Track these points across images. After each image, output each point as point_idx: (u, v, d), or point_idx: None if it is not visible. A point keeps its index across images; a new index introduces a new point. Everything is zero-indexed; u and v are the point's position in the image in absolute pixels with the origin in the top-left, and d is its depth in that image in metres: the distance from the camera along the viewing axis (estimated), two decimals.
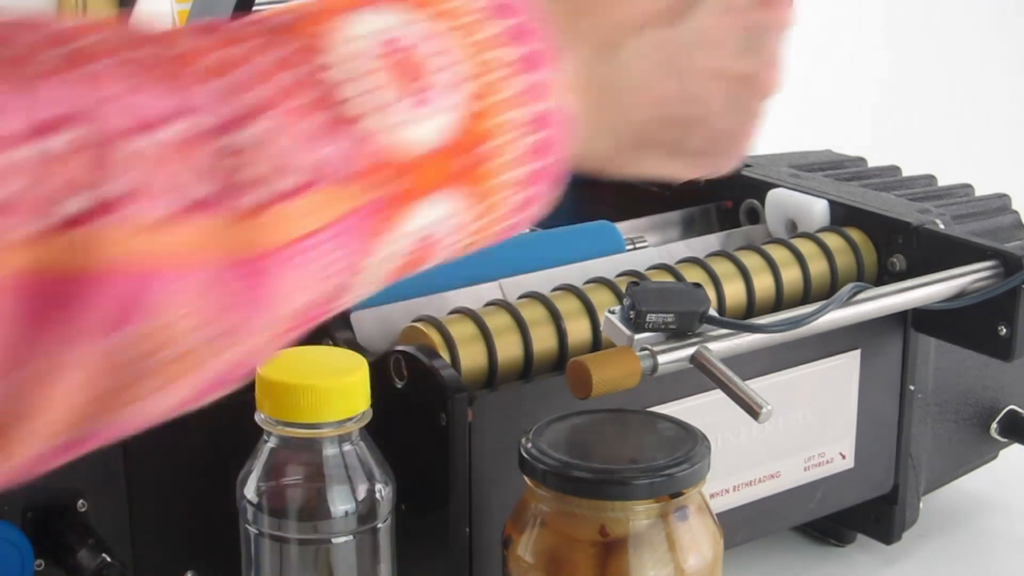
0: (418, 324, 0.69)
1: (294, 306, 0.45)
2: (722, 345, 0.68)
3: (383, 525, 0.62)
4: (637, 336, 0.66)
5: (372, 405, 0.62)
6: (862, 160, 1.00)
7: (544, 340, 0.71)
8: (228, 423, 0.67)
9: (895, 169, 0.98)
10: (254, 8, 0.75)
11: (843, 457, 0.81)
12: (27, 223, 0.38)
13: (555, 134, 0.49)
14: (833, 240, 0.82)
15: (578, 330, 0.72)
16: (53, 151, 0.38)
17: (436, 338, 0.69)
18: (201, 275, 0.41)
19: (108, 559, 0.67)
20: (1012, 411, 0.90)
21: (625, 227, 0.86)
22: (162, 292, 0.41)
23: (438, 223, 0.47)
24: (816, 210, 0.84)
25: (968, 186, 0.97)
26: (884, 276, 0.82)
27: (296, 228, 0.43)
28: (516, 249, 0.80)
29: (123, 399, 0.42)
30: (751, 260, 0.79)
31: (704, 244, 0.84)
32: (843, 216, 0.84)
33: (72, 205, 0.38)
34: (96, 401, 0.42)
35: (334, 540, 0.61)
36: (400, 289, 0.70)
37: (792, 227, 0.85)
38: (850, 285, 0.73)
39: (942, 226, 0.82)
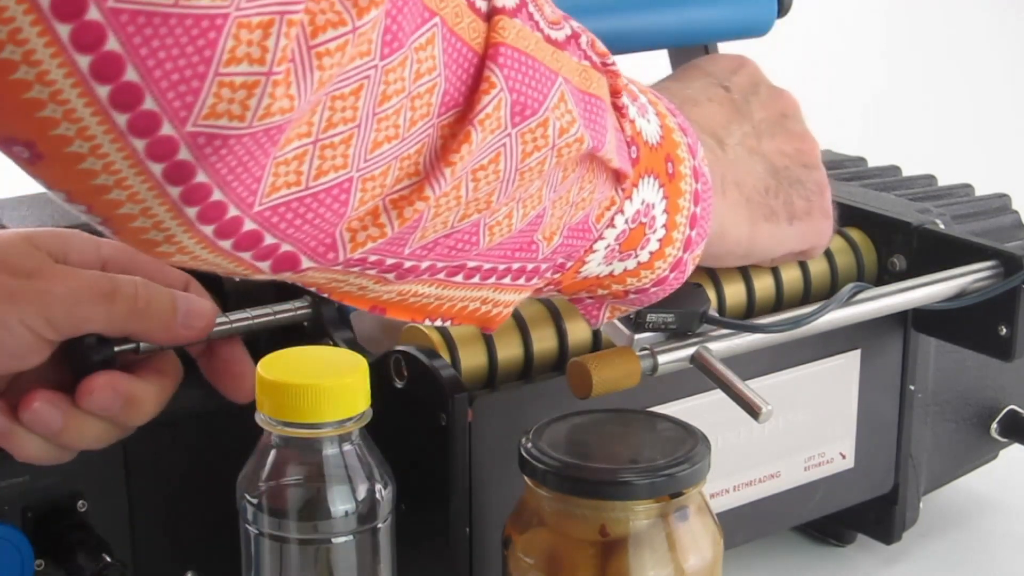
0: (418, 324, 0.69)
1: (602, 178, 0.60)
2: (722, 345, 0.68)
3: (383, 525, 0.62)
4: (637, 336, 0.66)
5: (372, 405, 0.62)
6: (862, 160, 1.00)
7: (544, 340, 0.71)
8: (228, 423, 0.67)
9: (895, 169, 0.98)
10: None
11: (843, 457, 0.81)
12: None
13: (704, 189, 0.65)
14: (833, 240, 0.82)
15: (578, 330, 0.72)
16: None
17: (436, 338, 0.69)
18: (568, 85, 0.55)
19: (108, 559, 0.67)
20: (1012, 411, 0.90)
21: None
22: (548, 78, 0.54)
23: (651, 206, 0.62)
24: None
25: (968, 186, 0.97)
26: (884, 276, 0.82)
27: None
28: None
29: (492, 198, 0.54)
30: None
31: None
32: (843, 216, 0.84)
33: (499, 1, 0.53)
34: (484, 193, 0.53)
35: (334, 540, 0.61)
36: None
37: None
38: (850, 285, 0.73)
39: (942, 226, 0.82)
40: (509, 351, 0.70)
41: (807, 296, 0.80)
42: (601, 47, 0.59)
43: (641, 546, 0.61)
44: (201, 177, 0.45)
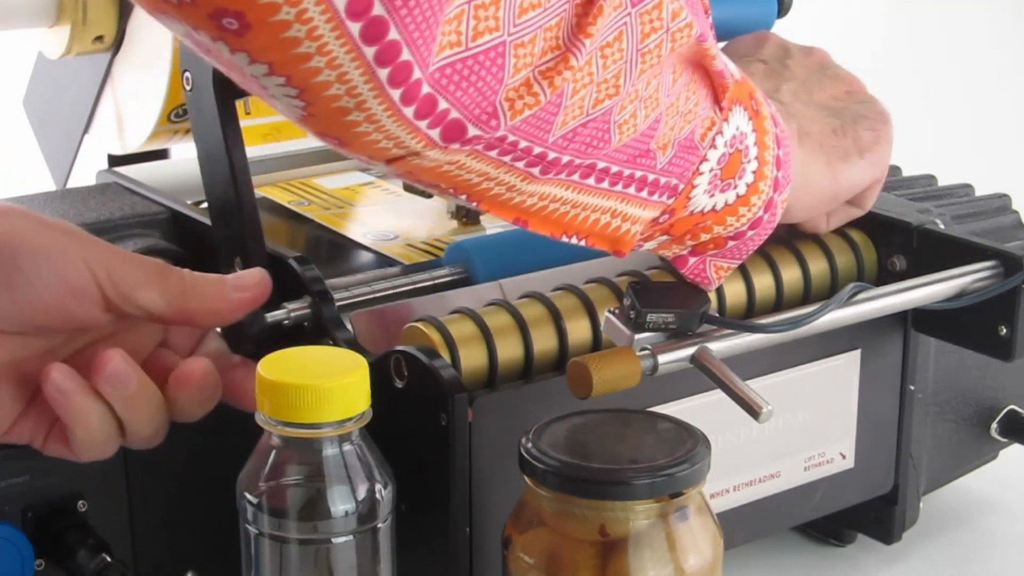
0: (418, 324, 0.69)
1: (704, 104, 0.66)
2: (722, 345, 0.68)
3: (383, 525, 0.62)
4: (637, 336, 0.66)
5: (372, 405, 0.62)
6: None
7: (544, 340, 0.71)
8: (228, 423, 0.67)
9: (895, 169, 0.98)
10: None
11: (843, 457, 0.81)
12: None
13: (782, 133, 0.70)
14: (833, 240, 0.82)
15: (578, 330, 0.72)
16: None
17: (436, 338, 0.69)
18: None
19: (108, 559, 0.67)
20: (1012, 411, 0.90)
21: None
22: None
23: (743, 134, 0.67)
24: None
25: (968, 186, 0.97)
26: (884, 276, 0.82)
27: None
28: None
29: (620, 83, 0.59)
30: (751, 260, 0.79)
31: None
32: None
33: None
34: (612, 74, 0.59)
35: (334, 540, 0.61)
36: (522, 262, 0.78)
37: (792, 227, 0.85)
38: (850, 285, 0.73)
39: (942, 226, 0.82)
40: (509, 351, 0.70)
41: (807, 296, 0.80)
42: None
43: (641, 546, 0.61)
44: (393, 34, 0.49)
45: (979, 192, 0.96)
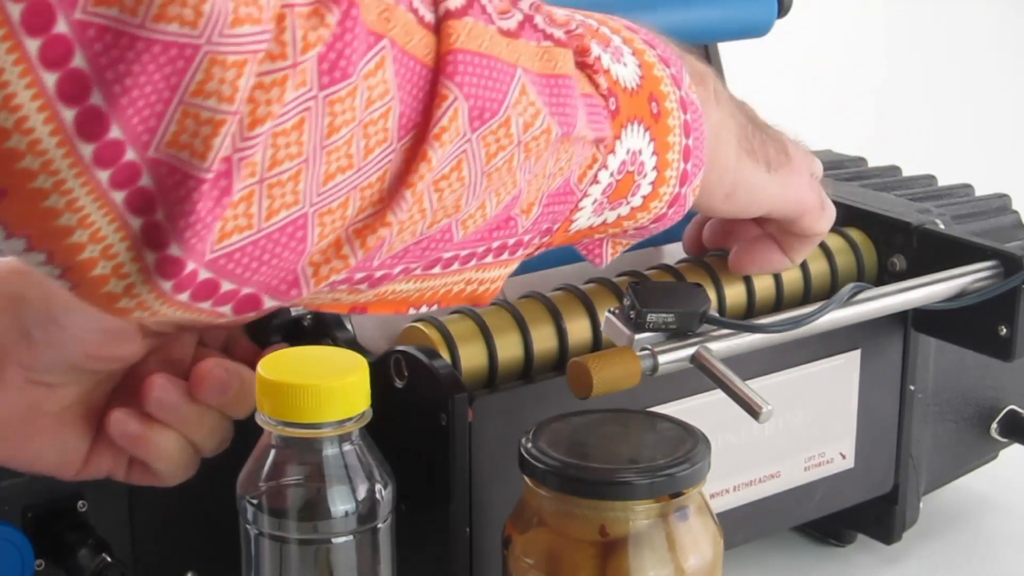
0: (418, 324, 0.69)
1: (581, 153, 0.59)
2: (722, 345, 0.68)
3: (383, 525, 0.62)
4: (637, 336, 0.66)
5: (372, 405, 0.62)
6: (862, 160, 1.00)
7: (544, 340, 0.71)
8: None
9: (895, 169, 0.98)
10: None
11: (843, 457, 0.81)
12: (421, 9, 0.50)
13: (695, 119, 0.64)
14: (833, 240, 0.82)
15: (578, 330, 0.72)
16: None
17: (436, 338, 0.69)
18: (528, 76, 0.53)
19: (108, 559, 0.67)
20: (1012, 411, 0.90)
21: None
22: (506, 74, 0.52)
23: (637, 153, 0.61)
24: None
25: (968, 186, 0.97)
26: (884, 276, 0.82)
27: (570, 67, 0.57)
28: None
29: (462, 202, 0.53)
30: None
31: None
32: (843, 216, 0.84)
33: (447, 4, 0.51)
34: (451, 200, 0.52)
35: (334, 540, 0.61)
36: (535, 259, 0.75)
37: None
38: (850, 285, 0.73)
39: (942, 226, 0.82)
40: (509, 351, 0.70)
41: (807, 296, 0.80)
42: (561, 15, 0.58)
43: (641, 546, 0.61)
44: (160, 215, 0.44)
45: (979, 192, 0.96)
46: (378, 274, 0.53)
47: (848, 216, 0.83)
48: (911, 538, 0.86)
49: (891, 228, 0.82)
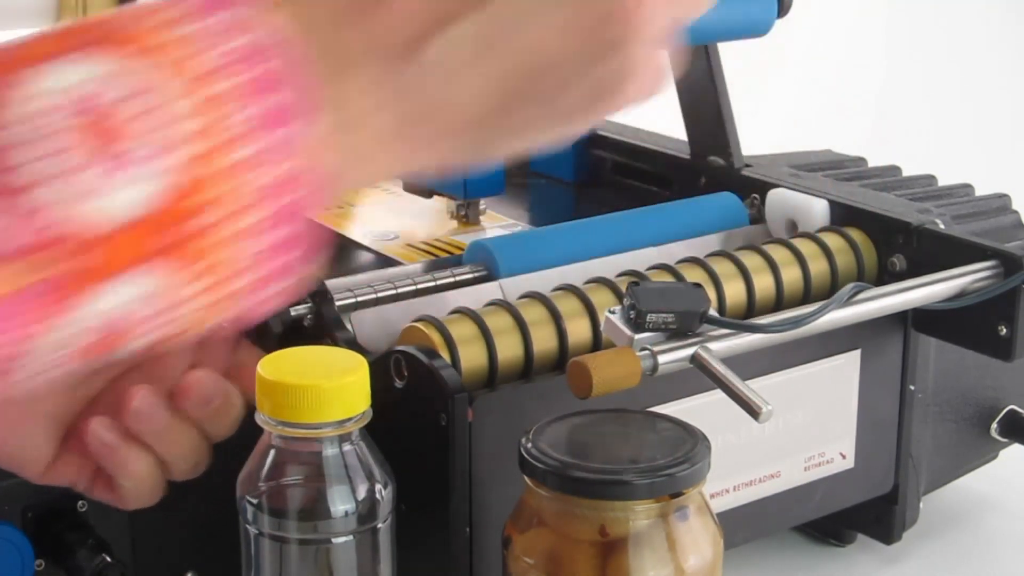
0: (418, 324, 0.69)
1: None
2: (722, 345, 0.68)
3: (383, 525, 0.62)
4: (637, 336, 0.66)
5: (372, 405, 0.62)
6: (862, 160, 1.00)
7: (544, 340, 0.71)
8: None
9: (895, 169, 0.98)
10: None
11: (843, 457, 0.81)
12: None
13: (304, 197, 0.45)
14: (833, 240, 0.82)
15: (578, 330, 0.72)
16: None
17: (436, 338, 0.69)
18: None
19: (108, 559, 0.67)
20: (1012, 411, 0.90)
21: None
22: None
23: (136, 303, 0.43)
24: (816, 210, 0.84)
25: (968, 186, 0.97)
26: (884, 276, 0.82)
27: None
28: (646, 219, 0.85)
29: None
30: (751, 260, 0.79)
31: (704, 244, 0.84)
32: (843, 216, 0.84)
33: None
34: None
35: (334, 540, 0.61)
36: (544, 257, 0.78)
37: (792, 227, 0.85)
38: (850, 285, 0.73)
39: (942, 226, 0.82)
40: (509, 351, 0.70)
41: (807, 296, 0.80)
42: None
43: (641, 546, 0.61)
44: None
45: (979, 192, 0.96)
46: None
47: (848, 216, 0.83)
48: (911, 538, 0.86)
49: (891, 228, 0.82)
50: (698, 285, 0.69)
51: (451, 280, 0.77)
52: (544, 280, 0.76)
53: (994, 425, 0.90)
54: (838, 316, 0.72)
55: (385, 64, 0.46)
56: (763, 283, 0.79)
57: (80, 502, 0.68)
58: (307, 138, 0.44)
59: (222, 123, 0.42)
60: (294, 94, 0.43)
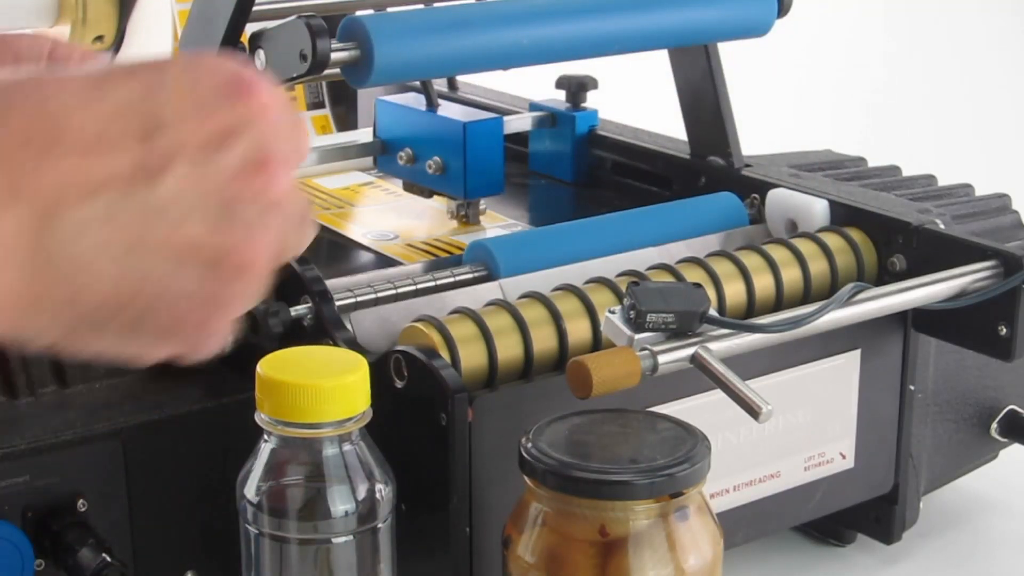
0: (418, 324, 0.69)
1: None
2: (722, 345, 0.68)
3: (383, 525, 0.62)
4: (637, 336, 0.66)
5: (372, 405, 0.62)
6: (862, 160, 1.00)
7: (544, 340, 0.71)
8: (228, 423, 0.67)
9: (895, 169, 0.98)
10: (252, 8, 0.75)
11: (843, 457, 0.81)
12: None
13: None
14: (833, 240, 0.82)
15: (578, 330, 0.72)
16: None
17: (436, 338, 0.69)
18: None
19: (108, 559, 0.67)
20: (1012, 411, 0.90)
21: None
22: None
23: None
24: (816, 210, 0.84)
25: (968, 186, 0.97)
26: (884, 276, 0.82)
27: None
28: (646, 219, 0.85)
29: None
30: (751, 260, 0.79)
31: (704, 244, 0.84)
32: (843, 216, 0.84)
33: None
34: None
35: (334, 540, 0.61)
36: (544, 257, 0.78)
37: (792, 227, 0.85)
38: (850, 285, 0.73)
39: (942, 226, 0.82)
40: (509, 351, 0.70)
41: (807, 296, 0.80)
42: None
43: (641, 546, 0.61)
44: None
45: (979, 192, 0.96)
46: None
47: (848, 216, 0.83)
48: (911, 538, 0.86)
49: (891, 228, 0.82)
50: (698, 285, 0.69)
51: (451, 280, 0.78)
52: (544, 280, 0.76)
53: (994, 425, 0.90)
54: (838, 316, 0.72)
55: (32, 219, 0.43)
56: (763, 283, 0.79)
57: (80, 502, 0.68)
58: None
59: None
60: None
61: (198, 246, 0.45)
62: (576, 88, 1.02)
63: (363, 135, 1.02)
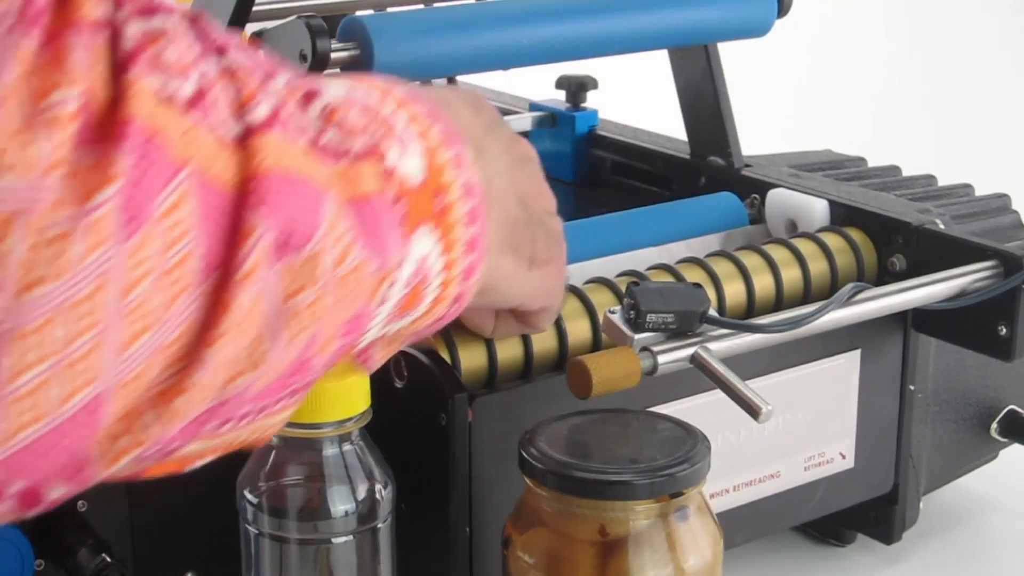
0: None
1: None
2: (722, 345, 0.68)
3: (383, 525, 0.62)
4: (637, 336, 0.66)
5: (372, 405, 0.62)
6: (862, 160, 1.00)
7: (544, 340, 0.71)
8: None
9: (895, 169, 0.98)
10: (252, 8, 0.75)
11: (843, 457, 0.81)
12: (223, 126, 0.43)
13: (479, 204, 0.55)
14: (833, 240, 0.82)
15: (578, 330, 0.72)
16: (234, 65, 0.45)
17: (436, 338, 0.68)
18: (332, 202, 0.47)
19: (108, 559, 0.67)
20: (1012, 411, 0.90)
21: None
22: (316, 200, 0.46)
23: (426, 258, 0.52)
24: (816, 210, 0.84)
25: (968, 186, 0.97)
26: (884, 276, 0.82)
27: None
28: (646, 219, 0.85)
29: (262, 350, 0.46)
30: (751, 260, 0.79)
31: (704, 244, 0.84)
32: (843, 216, 0.84)
33: (251, 116, 0.44)
34: (248, 349, 0.45)
35: (334, 540, 0.61)
36: None
37: (792, 227, 0.85)
38: (850, 285, 0.73)
39: (942, 226, 0.82)
40: (509, 351, 0.70)
41: (807, 296, 0.80)
42: (353, 117, 0.50)
43: (641, 546, 0.61)
44: None
45: (979, 192, 0.96)
46: (171, 447, 0.46)
47: (848, 216, 0.83)
48: (911, 538, 0.86)
49: (891, 228, 0.82)
50: (698, 285, 0.69)
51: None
52: None
53: (994, 425, 0.90)
54: (838, 316, 0.72)
55: (475, 153, 0.57)
56: (763, 283, 0.79)
57: (80, 502, 0.68)
58: (468, 158, 0.55)
59: (427, 134, 0.53)
60: (451, 125, 0.55)
61: (535, 195, 0.63)
62: (576, 88, 1.02)
63: None
